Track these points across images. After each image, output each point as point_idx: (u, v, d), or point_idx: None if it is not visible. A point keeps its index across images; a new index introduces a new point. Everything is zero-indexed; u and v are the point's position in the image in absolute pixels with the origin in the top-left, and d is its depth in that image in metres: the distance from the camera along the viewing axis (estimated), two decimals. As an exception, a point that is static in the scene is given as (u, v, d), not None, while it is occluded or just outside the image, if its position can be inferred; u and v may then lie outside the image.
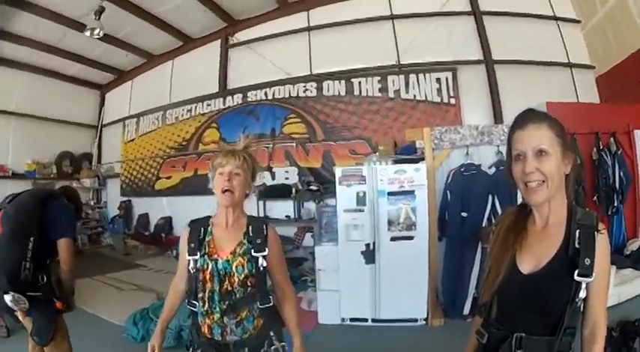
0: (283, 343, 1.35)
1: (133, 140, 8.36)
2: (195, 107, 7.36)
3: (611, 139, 4.42)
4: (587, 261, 0.85)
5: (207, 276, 1.26)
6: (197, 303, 1.28)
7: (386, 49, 6.27)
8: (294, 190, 6.09)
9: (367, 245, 3.56)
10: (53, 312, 1.97)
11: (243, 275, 1.27)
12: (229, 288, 1.26)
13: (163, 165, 7.75)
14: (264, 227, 1.34)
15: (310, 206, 6.26)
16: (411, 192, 3.58)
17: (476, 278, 3.50)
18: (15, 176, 7.59)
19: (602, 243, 0.88)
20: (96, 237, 9.22)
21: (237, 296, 1.26)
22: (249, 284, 1.27)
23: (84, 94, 9.27)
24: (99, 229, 9.27)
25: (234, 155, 1.30)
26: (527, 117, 0.96)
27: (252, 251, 1.28)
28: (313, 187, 6.18)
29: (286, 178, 6.32)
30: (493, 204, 3.59)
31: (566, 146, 0.94)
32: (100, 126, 9.30)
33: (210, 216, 1.39)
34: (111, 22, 6.46)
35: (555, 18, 6.99)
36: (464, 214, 3.66)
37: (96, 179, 9.16)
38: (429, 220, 3.62)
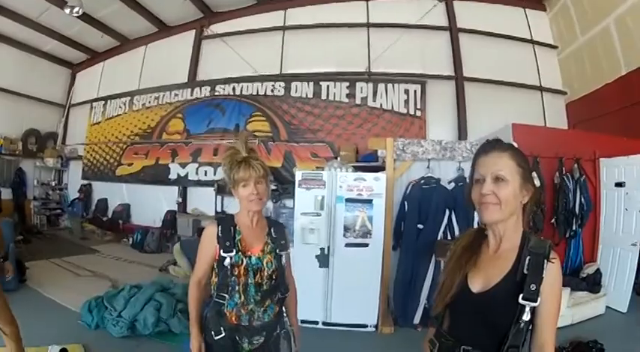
0: (292, 327, 1.58)
1: (98, 123, 8.13)
2: (163, 95, 7.20)
3: (575, 165, 4.46)
4: (533, 287, 0.89)
5: (242, 271, 1.40)
6: (227, 295, 1.40)
7: (358, 55, 6.23)
8: (253, 188, 6.00)
9: (322, 249, 3.57)
10: None
11: (271, 270, 1.44)
12: (260, 281, 1.42)
13: (126, 151, 7.54)
14: (284, 230, 1.55)
15: (268, 205, 6.17)
16: (369, 201, 3.60)
17: (428, 290, 3.53)
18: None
19: (552, 271, 0.92)
20: (55, 218, 8.97)
21: (265, 287, 1.43)
22: (274, 277, 1.45)
23: (55, 72, 8.99)
24: (58, 211, 9.02)
25: (252, 167, 1.39)
26: (492, 145, 1.02)
27: (277, 249, 1.48)
28: (272, 187, 6.08)
29: (246, 175, 6.20)
30: (450, 219, 3.62)
31: (527, 177, 0.98)
32: (67, 106, 9.01)
33: (232, 216, 1.51)
34: (91, 1, 6.28)
35: (532, 41, 7.07)
36: (420, 226, 3.68)
37: (59, 159, 8.88)
38: (384, 229, 3.64)
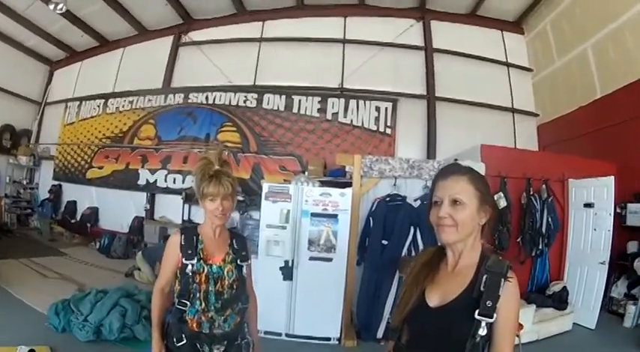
0: (252, 338, 1.61)
1: (72, 123, 8.00)
2: (137, 100, 7.13)
3: (543, 186, 4.52)
4: (489, 303, 0.92)
5: (203, 278, 1.44)
6: (188, 302, 1.43)
7: (332, 71, 6.27)
8: (220, 198, 5.98)
9: (286, 261, 3.59)
10: None
11: (232, 279, 1.48)
12: (220, 290, 1.46)
13: (97, 154, 7.43)
14: (246, 242, 1.60)
15: (234, 216, 6.14)
16: (334, 216, 3.62)
17: (391, 305, 3.56)
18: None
19: (509, 290, 0.94)
20: (25, 218, 8.78)
21: (226, 296, 1.47)
22: (235, 287, 1.48)
23: (35, 68, 8.82)
24: (28, 210, 8.83)
25: (222, 184, 1.43)
26: (451, 169, 1.06)
27: (238, 260, 1.52)
28: (240, 198, 6.06)
29: (213, 185, 6.17)
30: (414, 236, 3.66)
31: (485, 200, 1.02)
32: (43, 104, 8.87)
33: (196, 226, 1.56)
34: None
35: (507, 64, 7.18)
36: (385, 242, 3.71)
37: (32, 158, 8.72)
38: (348, 244, 3.67)
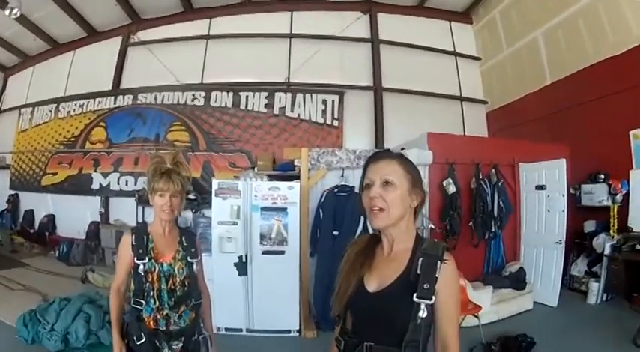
0: (208, 333, 1.66)
1: (25, 130, 7.85)
2: (87, 103, 7.04)
3: (493, 170, 4.62)
4: (427, 286, 0.93)
5: (155, 277, 1.49)
6: (143, 301, 1.47)
7: (278, 66, 6.31)
8: (172, 198, 5.98)
9: (240, 257, 3.61)
10: None
11: (183, 277, 1.53)
12: (172, 287, 1.51)
13: (51, 161, 7.31)
14: (195, 239, 1.65)
15: (187, 215, 6.15)
16: (284, 209, 3.67)
17: None
18: None
19: (446, 271, 0.96)
20: (-15, 230, 8.59)
21: (179, 293, 1.52)
22: (186, 284, 1.53)
23: (-13, 75, 8.67)
24: (-12, 222, 8.64)
25: (172, 181, 1.49)
26: (382, 154, 1.08)
27: (188, 257, 1.57)
28: (191, 197, 6.06)
29: (165, 185, 6.17)
30: (365, 225, 3.68)
31: (415, 183, 1.04)
32: (-2, 112, 8.70)
33: (146, 224, 1.61)
34: (29, 2, 6.10)
35: (455, 53, 7.34)
36: (335, 232, 3.77)
37: (-12, 168, 8.53)
38: (300, 236, 3.71)
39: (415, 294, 0.94)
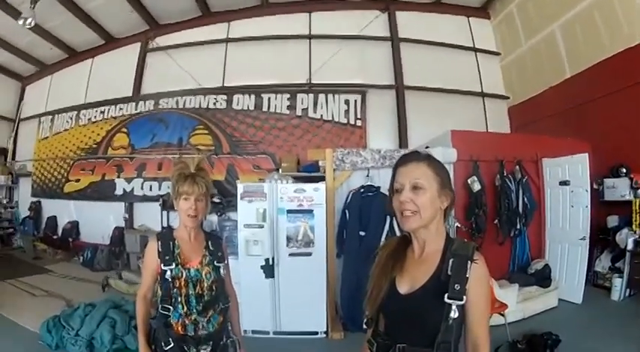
0: (236, 336, 1.66)
1: (46, 138, 7.93)
2: (108, 110, 7.09)
3: (517, 167, 4.55)
4: (457, 286, 0.94)
5: (182, 283, 1.48)
6: (171, 307, 1.47)
7: (299, 67, 6.29)
8: (197, 202, 5.99)
9: (267, 260, 3.60)
10: None
11: (210, 281, 1.52)
12: (200, 292, 1.50)
13: (73, 167, 7.38)
14: (221, 243, 1.65)
15: (213, 218, 6.15)
16: (310, 211, 3.65)
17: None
18: None
19: (476, 271, 0.96)
20: (7, 237, 8.69)
21: (207, 298, 1.52)
22: (214, 288, 1.53)
23: (6, 85, 8.73)
24: (10, 230, 8.73)
25: (197, 183, 1.49)
26: (410, 156, 1.08)
27: (215, 262, 1.56)
28: (216, 200, 6.06)
29: (189, 190, 6.18)
30: (391, 225, 3.67)
31: (444, 184, 1.04)
32: (17, 121, 8.77)
33: (172, 229, 1.62)
34: (42, 11, 6.12)
35: (475, 49, 7.26)
36: (362, 233, 3.75)
37: (10, 176, 8.62)
38: (326, 238, 3.69)
39: (446, 295, 0.94)
